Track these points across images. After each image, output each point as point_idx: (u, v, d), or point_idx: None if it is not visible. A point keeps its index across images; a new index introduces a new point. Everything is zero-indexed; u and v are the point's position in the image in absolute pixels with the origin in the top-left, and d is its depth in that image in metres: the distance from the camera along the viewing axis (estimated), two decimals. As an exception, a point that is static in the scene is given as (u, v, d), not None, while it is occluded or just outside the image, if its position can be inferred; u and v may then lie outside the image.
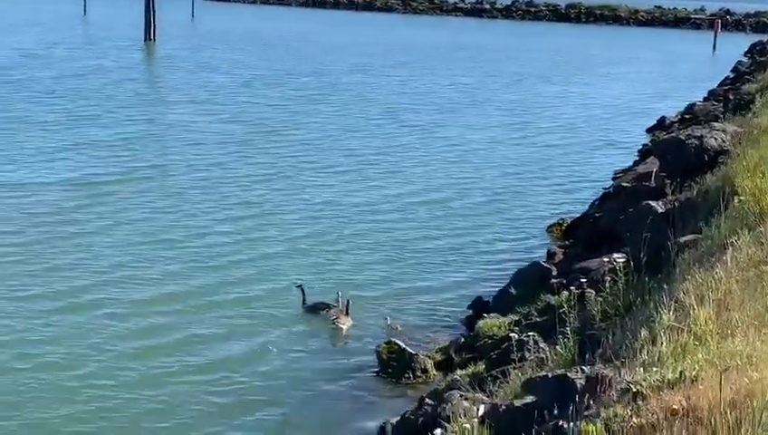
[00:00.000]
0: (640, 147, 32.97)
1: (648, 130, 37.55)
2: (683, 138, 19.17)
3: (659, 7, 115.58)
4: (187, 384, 14.03)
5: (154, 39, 60.83)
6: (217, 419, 13.15)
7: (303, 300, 16.52)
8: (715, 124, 20.31)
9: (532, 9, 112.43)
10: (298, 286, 16.71)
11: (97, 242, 20.04)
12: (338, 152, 30.68)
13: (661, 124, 37.33)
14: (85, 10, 77.32)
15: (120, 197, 23.72)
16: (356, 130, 34.91)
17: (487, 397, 10.10)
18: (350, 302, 16.40)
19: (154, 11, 61.32)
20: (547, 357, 10.64)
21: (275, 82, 46.23)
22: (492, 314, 15.97)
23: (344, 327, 16.11)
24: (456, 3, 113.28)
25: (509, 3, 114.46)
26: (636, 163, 28.36)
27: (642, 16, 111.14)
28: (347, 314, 16.23)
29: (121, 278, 18.04)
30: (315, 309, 16.39)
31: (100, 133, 31.38)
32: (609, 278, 11.60)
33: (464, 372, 13.11)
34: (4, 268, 18.18)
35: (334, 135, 33.52)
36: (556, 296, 14.56)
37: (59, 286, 17.38)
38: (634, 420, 5.46)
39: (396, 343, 14.87)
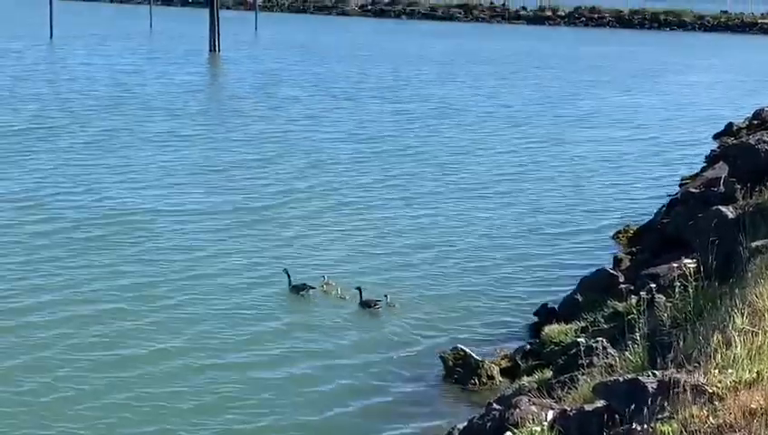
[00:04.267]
0: (707, 153, 32.46)
1: (715, 137, 36.95)
2: (753, 142, 18.87)
3: (725, 12, 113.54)
4: (254, 377, 14.26)
5: (219, 50, 61.72)
6: (282, 417, 13.33)
7: (289, 283, 17.90)
8: (786, 128, 19.94)
9: (596, 15, 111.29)
10: (284, 271, 18.11)
11: (224, 270, 19.43)
12: (419, 162, 30.67)
13: (728, 130, 36.71)
14: (151, 25, 79.56)
15: (252, 225, 22.71)
16: (440, 140, 35.00)
17: (556, 402, 10.02)
18: (362, 290, 17.49)
19: (218, 23, 62.30)
20: (616, 363, 10.50)
21: (371, 95, 45.96)
22: (558, 321, 15.88)
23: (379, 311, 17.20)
24: (517, 10, 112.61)
25: (571, 9, 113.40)
26: (703, 169, 27.92)
27: (708, 22, 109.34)
28: (361, 301, 17.27)
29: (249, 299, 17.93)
30: (297, 290, 17.78)
31: (219, 155, 30.40)
32: (678, 284, 11.41)
33: (530, 378, 13.01)
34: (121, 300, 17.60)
35: (427, 149, 33.22)
36: (624, 303, 14.42)
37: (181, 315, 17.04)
38: (711, 420, 5.39)
39: (462, 349, 14.85)
